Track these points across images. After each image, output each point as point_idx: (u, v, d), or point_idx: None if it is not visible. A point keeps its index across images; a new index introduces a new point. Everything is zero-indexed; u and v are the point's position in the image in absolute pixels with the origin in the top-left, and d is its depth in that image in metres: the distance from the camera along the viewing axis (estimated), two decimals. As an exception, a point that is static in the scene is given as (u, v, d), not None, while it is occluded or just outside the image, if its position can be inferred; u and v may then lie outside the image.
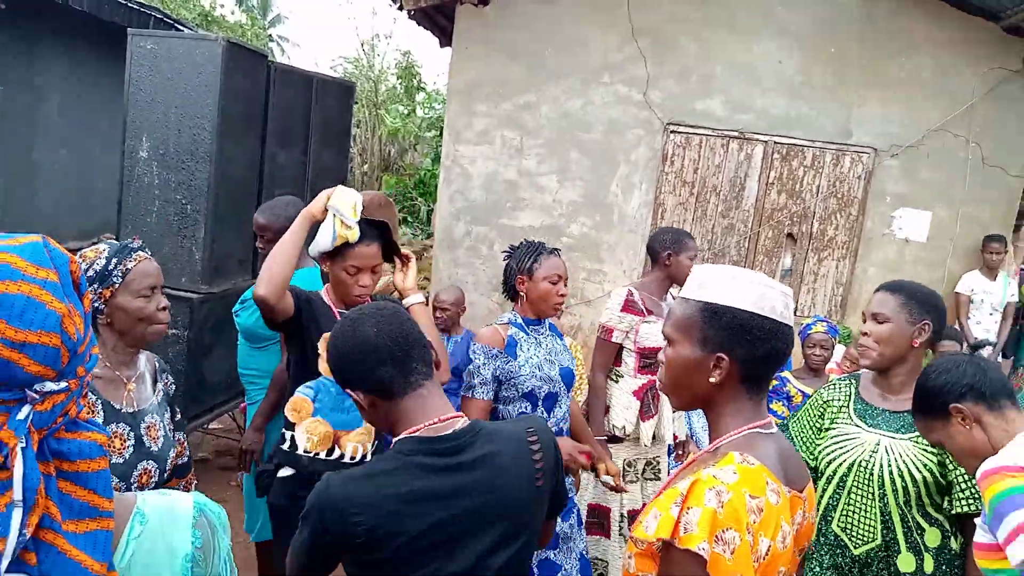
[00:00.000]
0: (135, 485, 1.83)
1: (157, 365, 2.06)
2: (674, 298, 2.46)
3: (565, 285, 2.72)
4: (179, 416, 2.09)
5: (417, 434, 1.45)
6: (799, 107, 5.94)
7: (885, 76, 5.88)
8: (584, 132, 6.09)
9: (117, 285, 1.85)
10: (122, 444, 1.82)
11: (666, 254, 3.44)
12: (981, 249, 5.88)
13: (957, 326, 5.88)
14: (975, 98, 5.80)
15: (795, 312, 6.02)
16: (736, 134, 5.99)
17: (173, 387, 2.09)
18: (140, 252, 1.92)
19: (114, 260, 1.86)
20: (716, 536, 1.15)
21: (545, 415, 2.69)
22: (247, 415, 3.45)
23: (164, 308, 1.94)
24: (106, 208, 5.95)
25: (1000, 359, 5.90)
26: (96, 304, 1.84)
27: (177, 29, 9.04)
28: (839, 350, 4.67)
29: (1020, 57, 5.75)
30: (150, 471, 1.88)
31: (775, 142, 5.98)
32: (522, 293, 2.72)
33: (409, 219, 13.61)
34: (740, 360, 1.30)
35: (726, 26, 5.90)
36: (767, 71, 5.92)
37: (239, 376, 3.49)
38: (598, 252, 6.21)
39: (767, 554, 1.20)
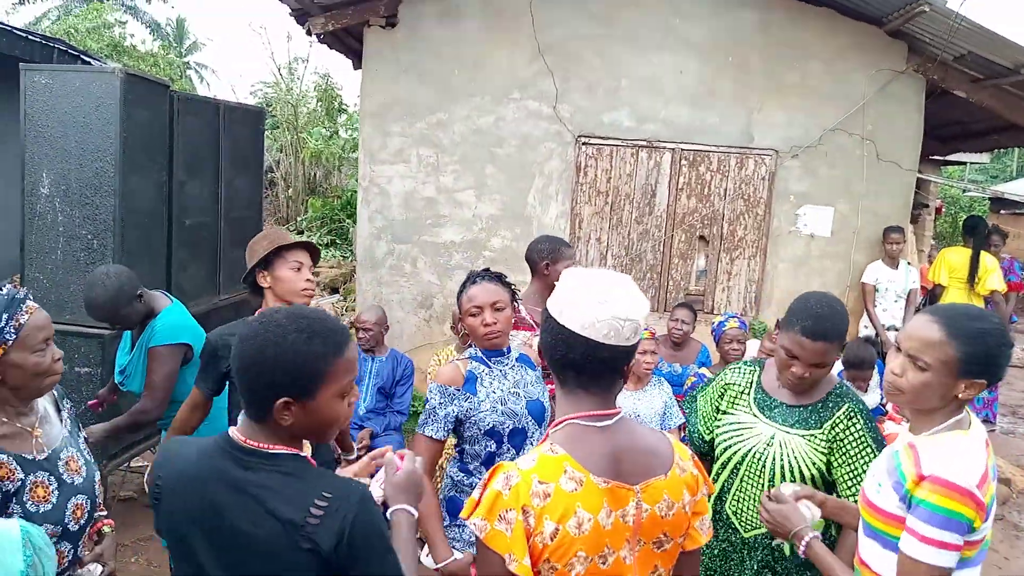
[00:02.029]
0: (71, 523, 1.83)
1: (56, 393, 2.02)
2: None
3: (496, 310, 2.51)
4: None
5: (238, 439, 1.46)
6: (702, 115, 6.17)
7: (782, 82, 6.16)
8: (498, 147, 6.20)
9: (11, 342, 1.75)
10: (46, 492, 1.79)
11: (544, 264, 3.50)
12: (882, 240, 6.19)
13: (865, 314, 6.18)
14: (866, 98, 6.12)
15: (711, 311, 6.24)
16: (644, 143, 6.18)
17: (74, 410, 2.08)
18: (29, 303, 1.81)
19: (4, 316, 1.74)
20: (499, 515, 1.33)
21: (514, 452, 2.49)
22: None
23: (59, 359, 1.88)
24: (7, 247, 5.75)
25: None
26: None
27: (84, 61, 8.82)
28: (753, 344, 4.87)
29: (903, 58, 6.10)
30: (82, 505, 1.87)
31: (682, 149, 6.19)
32: (465, 333, 2.63)
33: (338, 241, 13.53)
34: (569, 364, 1.45)
35: (628, 41, 6.10)
36: (670, 82, 6.14)
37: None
38: (520, 263, 6.27)
39: (554, 536, 1.34)
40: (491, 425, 2.45)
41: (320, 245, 13.21)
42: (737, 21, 6.12)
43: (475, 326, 2.52)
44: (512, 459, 2.44)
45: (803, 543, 1.88)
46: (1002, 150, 15.46)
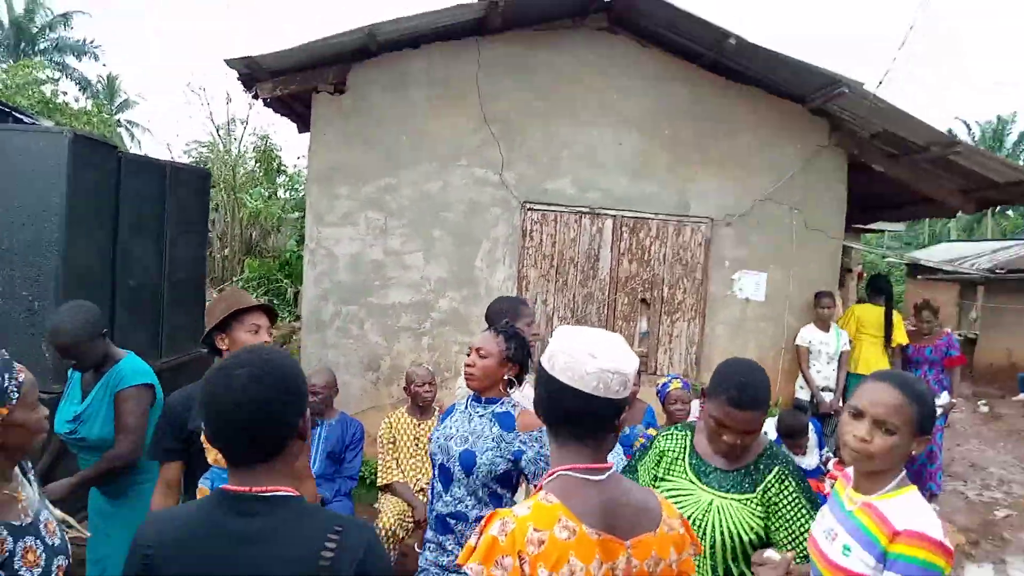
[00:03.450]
0: None
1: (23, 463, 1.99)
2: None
3: (479, 356, 2.72)
4: None
5: (229, 488, 1.46)
6: (640, 184, 6.43)
7: (715, 154, 6.49)
8: (446, 212, 6.31)
9: (15, 401, 1.76)
10: (35, 556, 1.79)
11: (503, 322, 3.59)
12: (813, 304, 6.48)
13: (800, 375, 6.42)
14: (793, 170, 6.49)
15: (654, 372, 6.38)
16: (587, 210, 6.39)
17: (33, 469, 2.05)
18: (16, 362, 1.83)
19: (5, 375, 1.75)
20: (496, 561, 1.37)
21: (439, 487, 2.68)
22: None
23: (46, 416, 1.89)
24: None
25: (841, 403, 6.44)
26: None
27: (15, 118, 8.63)
28: (695, 404, 4.99)
29: (826, 133, 6.52)
30: (62, 566, 1.88)
31: (622, 216, 6.42)
32: None
33: (276, 301, 13.31)
34: (562, 416, 1.53)
35: (569, 114, 6.36)
36: (609, 153, 6.40)
37: None
38: (468, 325, 6.36)
39: None
40: (431, 452, 2.76)
41: (257, 306, 13.01)
42: (671, 96, 6.45)
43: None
44: (435, 491, 2.65)
45: None
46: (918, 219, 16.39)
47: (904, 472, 1.91)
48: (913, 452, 1.87)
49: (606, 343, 1.51)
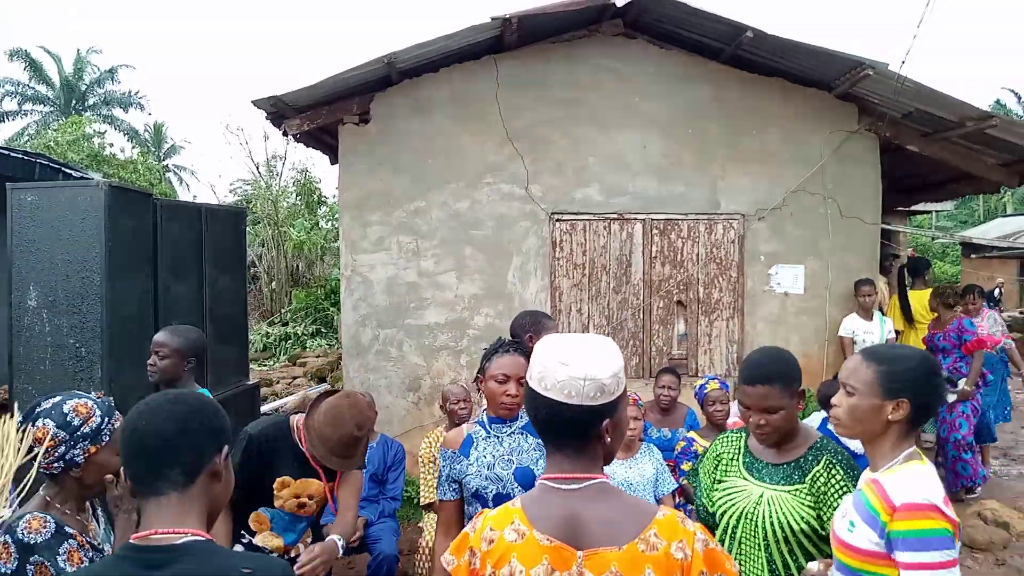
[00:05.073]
0: None
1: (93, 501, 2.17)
2: None
3: (519, 384, 2.51)
4: None
5: (135, 540, 1.45)
6: (669, 186, 6.40)
7: (742, 149, 6.43)
8: (476, 229, 6.37)
9: (104, 443, 1.98)
10: None
11: (527, 337, 3.61)
12: (854, 293, 6.35)
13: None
14: (824, 159, 6.39)
15: (695, 374, 6.32)
16: (616, 216, 6.39)
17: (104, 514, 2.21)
18: (116, 411, 2.06)
19: (106, 419, 1.99)
20: (464, 553, 1.52)
21: None
22: None
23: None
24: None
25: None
26: (78, 458, 1.94)
27: (65, 173, 9.02)
28: (734, 406, 4.94)
29: (855, 118, 6.41)
30: None
31: (652, 219, 6.40)
32: (483, 392, 2.69)
33: (323, 330, 13.59)
34: (540, 424, 1.55)
35: (592, 121, 6.38)
36: (635, 157, 6.39)
37: None
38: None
39: None
40: (475, 488, 2.52)
41: (305, 335, 13.29)
42: (694, 96, 6.42)
43: (496, 393, 2.57)
44: None
45: None
46: (967, 196, 15.92)
47: (913, 447, 1.91)
48: (889, 417, 1.88)
49: (581, 350, 1.50)
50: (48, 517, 1.89)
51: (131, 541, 1.44)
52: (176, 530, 1.42)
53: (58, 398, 2.00)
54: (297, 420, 2.96)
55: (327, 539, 2.81)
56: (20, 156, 8.83)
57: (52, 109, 28.44)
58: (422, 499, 4.56)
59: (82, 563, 1.87)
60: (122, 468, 1.56)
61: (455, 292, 6.39)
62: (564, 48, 6.39)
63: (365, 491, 4.39)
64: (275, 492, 2.86)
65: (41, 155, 9.91)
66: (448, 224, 6.37)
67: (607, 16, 6.24)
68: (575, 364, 1.47)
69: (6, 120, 27.93)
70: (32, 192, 4.20)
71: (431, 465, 4.60)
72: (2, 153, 8.49)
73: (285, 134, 6.37)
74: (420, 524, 4.66)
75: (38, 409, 1.97)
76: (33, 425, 1.92)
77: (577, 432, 1.49)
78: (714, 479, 2.51)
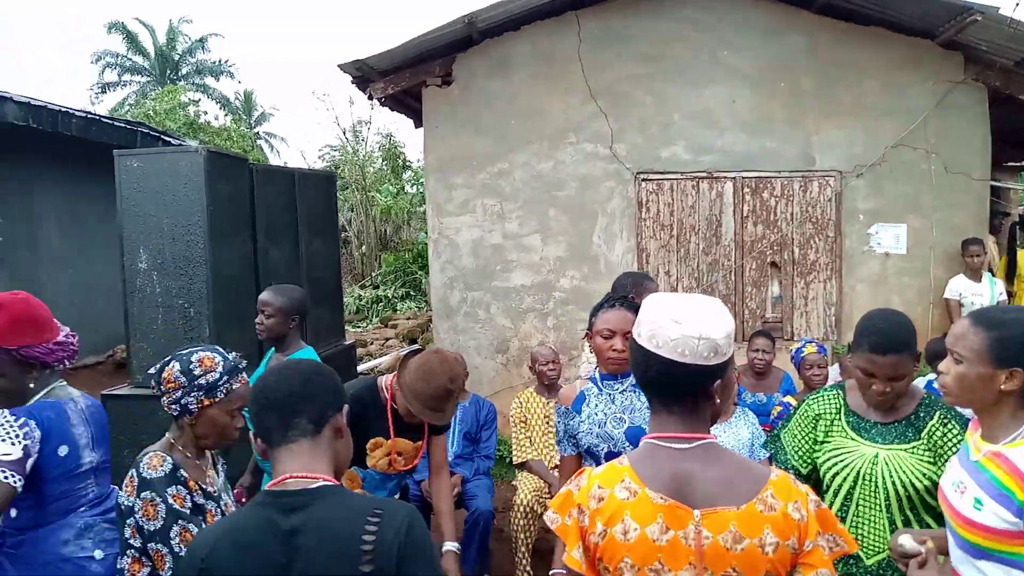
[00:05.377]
0: None
1: (213, 454, 2.30)
2: None
3: (626, 339, 2.43)
4: None
5: (270, 487, 1.52)
6: (760, 142, 6.19)
7: (837, 102, 6.14)
8: (559, 190, 6.34)
9: (218, 399, 2.07)
10: (213, 520, 2.06)
11: (630, 297, 3.58)
12: (961, 253, 6.03)
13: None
14: (926, 111, 6.04)
15: (791, 337, 6.16)
16: (704, 174, 6.23)
17: (226, 467, 2.35)
18: (244, 374, 2.16)
19: (226, 377, 2.08)
20: (569, 511, 1.49)
21: None
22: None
23: (240, 427, 2.16)
24: (112, 322, 6.15)
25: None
26: (191, 406, 2.05)
27: (164, 141, 9.43)
28: (833, 369, 4.80)
29: (960, 68, 6.02)
30: None
31: (742, 177, 6.22)
32: (592, 348, 2.68)
33: (412, 292, 13.85)
34: (649, 383, 1.54)
35: (677, 76, 6.21)
36: (723, 112, 6.20)
37: None
38: (590, 302, 6.29)
39: (603, 537, 1.44)
40: (587, 446, 2.54)
41: (395, 298, 13.57)
42: (785, 47, 6.16)
43: (603, 348, 2.56)
44: None
45: None
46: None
47: None
48: (1002, 388, 1.74)
49: (692, 308, 1.48)
50: (168, 457, 2.03)
51: (266, 488, 1.53)
52: (309, 475, 1.51)
53: (199, 348, 2.14)
54: (386, 380, 3.03)
55: (444, 551, 2.92)
56: (123, 125, 9.27)
57: (149, 79, 29.55)
58: (514, 458, 4.64)
59: (184, 506, 1.98)
60: (251, 432, 1.63)
61: (540, 254, 6.40)
62: (648, 1, 6.21)
63: (459, 449, 4.50)
64: (368, 452, 2.95)
65: (142, 124, 10.39)
66: (531, 185, 6.36)
67: (695, -34, 6.03)
68: (689, 323, 1.45)
69: (108, 91, 29.22)
70: (136, 158, 4.38)
71: (522, 425, 4.67)
72: (106, 122, 8.94)
73: (370, 98, 6.46)
74: (514, 483, 4.75)
75: (180, 352, 2.11)
76: (168, 366, 2.06)
77: (688, 391, 1.48)
78: (814, 439, 2.40)
